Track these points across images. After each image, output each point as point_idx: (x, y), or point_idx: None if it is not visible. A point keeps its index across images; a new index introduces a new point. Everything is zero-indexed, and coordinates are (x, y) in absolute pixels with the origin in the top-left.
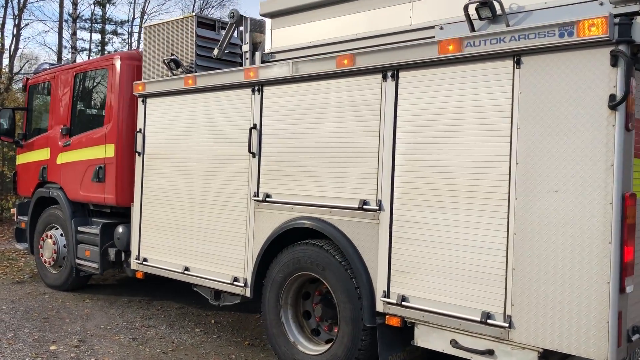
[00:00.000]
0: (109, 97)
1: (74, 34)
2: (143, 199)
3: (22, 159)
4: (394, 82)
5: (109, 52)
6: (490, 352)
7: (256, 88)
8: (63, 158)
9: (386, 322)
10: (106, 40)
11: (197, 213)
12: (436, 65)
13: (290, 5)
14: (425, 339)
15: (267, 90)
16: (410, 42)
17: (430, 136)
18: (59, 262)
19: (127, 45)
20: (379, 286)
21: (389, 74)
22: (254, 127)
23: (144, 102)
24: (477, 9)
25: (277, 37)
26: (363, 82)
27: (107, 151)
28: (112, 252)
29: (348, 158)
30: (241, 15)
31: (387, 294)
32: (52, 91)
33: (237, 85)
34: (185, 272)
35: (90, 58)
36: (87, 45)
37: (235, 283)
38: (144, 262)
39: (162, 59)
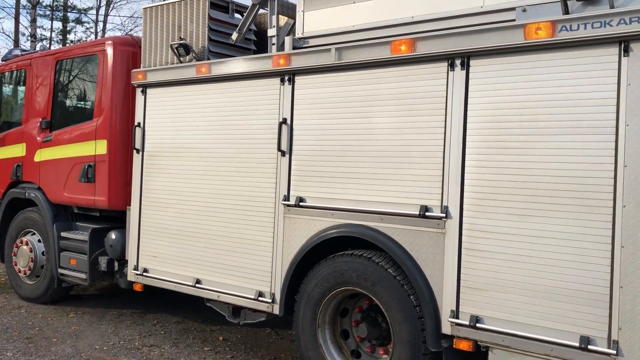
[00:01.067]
0: (100, 88)
1: (33, 20)
2: (143, 202)
3: None
4: (463, 72)
5: (72, 41)
6: None
7: (286, 77)
8: (42, 155)
9: (454, 346)
10: (68, 28)
11: (211, 218)
12: (519, 53)
13: None
14: None
15: (300, 80)
16: (483, 25)
17: (509, 133)
18: (36, 272)
19: (93, 35)
20: (445, 305)
21: (458, 62)
22: (284, 121)
23: (144, 92)
24: None
25: (310, 19)
26: (424, 72)
27: (98, 148)
28: (103, 261)
29: (405, 157)
30: None
31: (455, 314)
32: (27, 80)
33: (262, 74)
34: (197, 285)
35: (72, 44)
36: (48, 34)
37: (260, 299)
38: (145, 274)
39: (166, 44)
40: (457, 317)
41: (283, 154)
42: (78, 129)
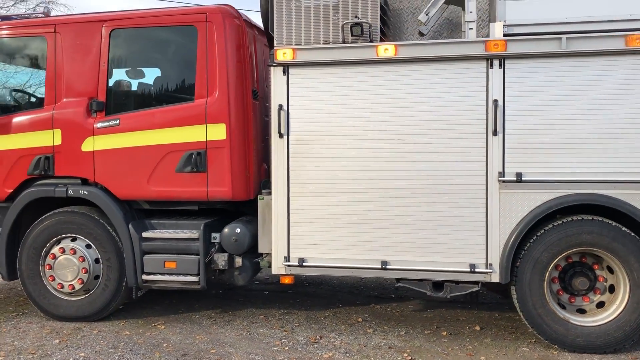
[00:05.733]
0: (203, 64)
1: None
2: (291, 189)
3: None
4: None
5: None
6: None
7: (496, 62)
8: (100, 143)
9: None
10: None
11: (400, 200)
12: None
13: None
14: None
15: (510, 64)
16: None
17: None
18: (87, 285)
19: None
20: None
21: None
22: (495, 102)
23: (286, 72)
24: None
25: (514, 9)
26: None
27: (211, 133)
28: (221, 258)
29: (634, 133)
30: None
31: None
32: (48, 52)
33: (466, 57)
34: (387, 267)
35: (135, 9)
36: None
37: (476, 270)
38: (303, 264)
39: (322, 22)
40: None
41: (495, 133)
42: (169, 111)
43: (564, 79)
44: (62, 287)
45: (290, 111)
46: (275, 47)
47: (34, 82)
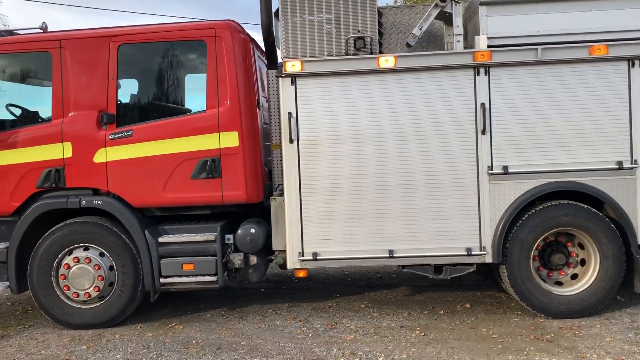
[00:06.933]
0: (213, 76)
1: None
2: (303, 190)
3: None
4: None
5: None
6: None
7: (482, 70)
8: (113, 154)
9: None
10: None
11: (401, 195)
12: None
13: None
14: None
15: (494, 71)
16: None
17: None
18: (102, 292)
19: None
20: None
21: (637, 62)
22: (482, 106)
23: (294, 82)
24: None
25: (495, 24)
26: (610, 69)
27: (224, 140)
28: (237, 257)
29: (600, 128)
30: (452, 1)
31: None
32: (54, 66)
33: (456, 66)
34: (393, 255)
35: (147, 24)
36: None
37: (472, 253)
38: (317, 258)
39: (324, 35)
40: None
41: (483, 132)
42: (182, 121)
43: (541, 84)
44: (78, 295)
45: (299, 118)
46: (283, 60)
47: (39, 97)
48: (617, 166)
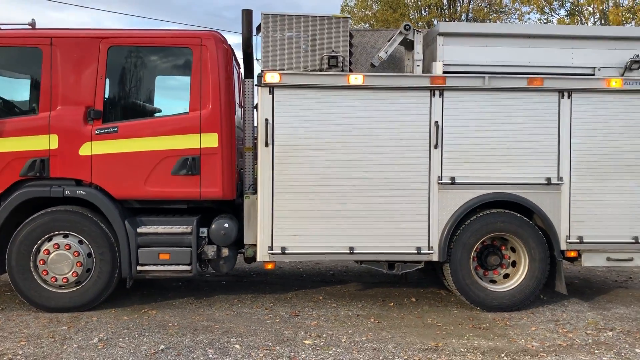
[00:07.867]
0: (197, 82)
1: None
2: (275, 189)
3: None
4: (569, 100)
5: None
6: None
7: (437, 92)
8: (98, 148)
9: (565, 255)
10: None
11: (363, 198)
12: (601, 93)
13: (470, 31)
14: (588, 260)
15: (448, 94)
16: (576, 76)
17: (603, 142)
18: (80, 277)
19: None
20: (562, 234)
21: (565, 94)
22: (436, 123)
23: (272, 92)
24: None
25: (449, 52)
26: (544, 98)
27: (205, 141)
28: (210, 249)
29: (533, 148)
30: (414, 30)
31: (569, 237)
32: (43, 62)
33: (416, 88)
34: (353, 252)
35: (136, 29)
36: None
37: (421, 252)
38: (285, 252)
39: (301, 52)
40: (569, 239)
41: (436, 146)
42: (166, 121)
43: (486, 107)
44: (56, 280)
45: (275, 124)
46: (263, 71)
47: (26, 89)
48: (546, 182)
